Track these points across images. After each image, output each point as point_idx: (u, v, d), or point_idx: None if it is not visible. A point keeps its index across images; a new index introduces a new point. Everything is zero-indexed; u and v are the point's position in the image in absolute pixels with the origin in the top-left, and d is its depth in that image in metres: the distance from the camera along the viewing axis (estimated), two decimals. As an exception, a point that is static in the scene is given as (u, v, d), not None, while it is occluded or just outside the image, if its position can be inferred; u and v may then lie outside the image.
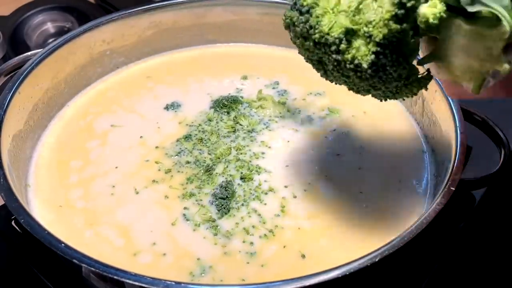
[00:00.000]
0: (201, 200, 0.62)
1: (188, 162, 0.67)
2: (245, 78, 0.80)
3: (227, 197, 0.62)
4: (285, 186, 0.64)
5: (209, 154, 0.68)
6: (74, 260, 0.49)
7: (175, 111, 0.75)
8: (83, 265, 0.49)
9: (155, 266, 0.57)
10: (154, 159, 0.68)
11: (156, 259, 0.57)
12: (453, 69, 0.46)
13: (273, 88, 0.78)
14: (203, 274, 0.56)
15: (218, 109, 0.74)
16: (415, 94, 0.50)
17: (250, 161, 0.67)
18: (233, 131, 0.71)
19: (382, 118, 0.73)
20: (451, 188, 0.55)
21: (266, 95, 0.76)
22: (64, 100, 0.76)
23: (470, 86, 0.46)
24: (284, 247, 0.59)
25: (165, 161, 0.67)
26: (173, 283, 0.48)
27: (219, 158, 0.67)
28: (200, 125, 0.72)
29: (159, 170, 0.66)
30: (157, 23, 0.81)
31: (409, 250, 0.51)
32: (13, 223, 0.64)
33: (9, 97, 0.66)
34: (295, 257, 0.58)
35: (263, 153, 0.68)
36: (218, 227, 0.60)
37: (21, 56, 0.73)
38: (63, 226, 0.60)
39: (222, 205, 0.61)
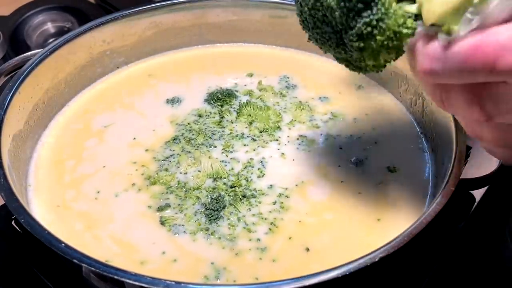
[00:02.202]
0: (186, 209, 0.62)
1: (177, 165, 0.67)
2: (250, 75, 0.80)
3: (217, 209, 0.61)
4: (281, 182, 0.65)
5: (202, 155, 0.68)
6: (74, 260, 0.50)
7: (177, 106, 0.75)
8: (83, 265, 0.49)
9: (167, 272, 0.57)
10: (142, 163, 0.67)
11: (168, 265, 0.57)
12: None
13: (286, 81, 0.79)
14: (217, 277, 0.56)
15: (212, 102, 0.74)
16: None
17: (244, 162, 0.67)
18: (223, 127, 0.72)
19: (383, 119, 0.73)
20: (451, 188, 0.55)
21: (266, 85, 0.77)
22: (64, 100, 0.76)
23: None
24: (290, 238, 0.59)
25: (151, 166, 0.67)
26: (173, 283, 0.48)
27: (212, 168, 0.66)
28: (189, 124, 0.72)
29: (142, 174, 0.66)
30: (157, 23, 0.81)
31: (409, 250, 0.51)
32: (13, 223, 0.64)
33: (9, 97, 0.66)
34: (300, 250, 0.58)
35: (255, 150, 0.69)
36: (215, 232, 0.60)
37: (21, 56, 0.73)
38: (63, 227, 0.61)
39: (212, 215, 0.61)
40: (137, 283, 0.48)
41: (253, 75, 0.80)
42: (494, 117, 0.44)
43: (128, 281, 0.48)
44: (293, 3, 0.79)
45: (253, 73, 0.80)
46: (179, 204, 0.62)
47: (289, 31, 0.82)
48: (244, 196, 0.63)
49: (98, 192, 0.64)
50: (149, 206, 0.62)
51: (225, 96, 0.75)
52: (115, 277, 0.48)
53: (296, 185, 0.64)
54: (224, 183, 0.64)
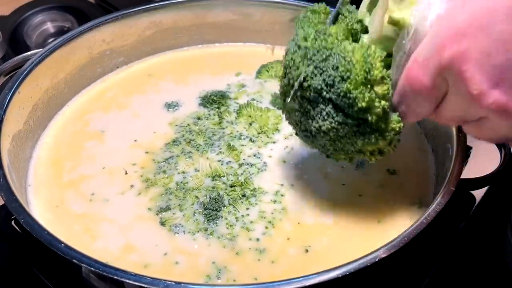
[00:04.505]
0: (186, 209, 0.62)
1: (175, 166, 0.66)
2: (250, 75, 0.80)
3: (216, 209, 0.61)
4: (280, 183, 0.65)
5: (201, 155, 0.68)
6: (74, 260, 0.49)
7: (174, 111, 0.75)
8: (83, 265, 0.49)
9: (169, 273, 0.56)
10: (141, 165, 0.67)
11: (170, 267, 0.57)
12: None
13: None
14: (218, 276, 0.56)
15: (207, 105, 0.74)
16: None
17: (243, 162, 0.67)
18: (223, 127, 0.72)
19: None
20: (452, 188, 0.55)
21: (266, 86, 0.77)
22: (64, 100, 0.76)
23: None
24: (288, 239, 0.59)
25: (150, 168, 0.66)
26: (173, 283, 0.48)
27: (210, 167, 0.66)
28: (188, 125, 0.72)
29: (141, 176, 0.66)
30: (157, 23, 0.81)
31: (409, 250, 0.51)
32: (13, 223, 0.64)
33: (9, 97, 0.66)
34: (299, 251, 0.58)
35: (256, 152, 0.68)
36: (214, 231, 0.60)
37: (20, 56, 0.73)
38: (62, 227, 0.60)
39: (211, 215, 0.61)
40: (137, 283, 0.48)
41: (253, 76, 0.80)
42: None
43: (128, 281, 0.48)
44: (294, 2, 0.79)
45: (253, 73, 0.80)
46: (179, 204, 0.62)
47: (290, 31, 0.82)
48: (243, 196, 0.63)
49: (96, 192, 0.64)
50: (149, 208, 0.62)
51: (220, 98, 0.75)
52: (115, 277, 0.48)
53: (295, 185, 0.64)
54: (224, 183, 0.64)
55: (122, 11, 0.79)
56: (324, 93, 0.50)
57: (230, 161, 0.67)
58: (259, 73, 0.79)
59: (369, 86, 0.50)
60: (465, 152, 0.59)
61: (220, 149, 0.68)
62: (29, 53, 0.73)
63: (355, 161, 0.65)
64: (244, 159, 0.67)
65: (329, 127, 0.52)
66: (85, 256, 0.50)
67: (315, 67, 0.51)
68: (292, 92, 0.53)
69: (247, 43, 0.86)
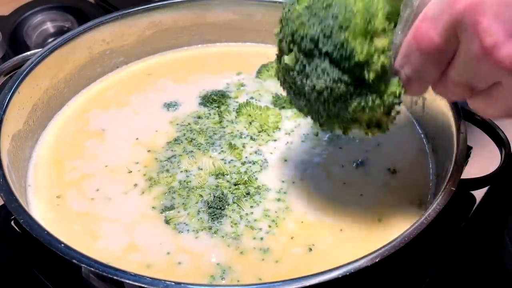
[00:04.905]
0: (190, 207, 0.62)
1: (178, 165, 0.66)
2: (250, 75, 0.80)
3: (220, 207, 0.61)
4: (282, 181, 0.65)
5: (203, 154, 0.68)
6: (74, 260, 0.49)
7: (174, 110, 0.75)
8: (83, 265, 0.49)
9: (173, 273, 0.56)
10: (144, 163, 0.67)
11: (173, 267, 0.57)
12: None
13: None
14: (223, 277, 0.56)
15: (208, 104, 0.74)
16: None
17: (245, 161, 0.67)
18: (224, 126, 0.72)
19: (383, 118, 0.73)
20: (452, 188, 0.55)
21: (266, 85, 0.77)
22: (63, 100, 0.76)
23: None
24: (292, 238, 0.59)
25: (153, 167, 0.66)
26: (173, 283, 0.47)
27: (213, 165, 0.66)
28: (189, 124, 0.72)
29: (144, 175, 0.66)
30: (156, 23, 0.81)
31: (410, 250, 0.51)
32: (12, 223, 0.64)
33: (9, 97, 0.66)
34: (303, 250, 0.58)
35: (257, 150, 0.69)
36: (218, 230, 0.60)
37: (20, 55, 0.73)
38: (63, 227, 0.60)
39: (215, 213, 0.61)
40: (136, 284, 0.48)
41: (253, 75, 0.80)
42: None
43: (127, 281, 0.48)
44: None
45: (253, 73, 0.80)
46: (183, 203, 0.62)
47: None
48: (247, 194, 0.63)
49: (99, 191, 0.64)
50: (153, 207, 0.62)
51: (220, 97, 0.75)
52: (115, 277, 0.48)
53: (296, 183, 0.64)
54: (227, 181, 0.64)
55: (122, 11, 0.79)
56: (321, 44, 0.48)
57: (232, 160, 0.67)
58: (259, 72, 0.79)
59: (368, 37, 0.47)
60: (465, 152, 0.59)
61: (222, 148, 0.68)
62: (28, 53, 0.73)
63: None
64: (246, 157, 0.67)
65: (324, 86, 0.49)
66: (84, 256, 0.50)
67: (314, 15, 0.48)
68: (287, 43, 0.50)
69: (247, 43, 0.86)
